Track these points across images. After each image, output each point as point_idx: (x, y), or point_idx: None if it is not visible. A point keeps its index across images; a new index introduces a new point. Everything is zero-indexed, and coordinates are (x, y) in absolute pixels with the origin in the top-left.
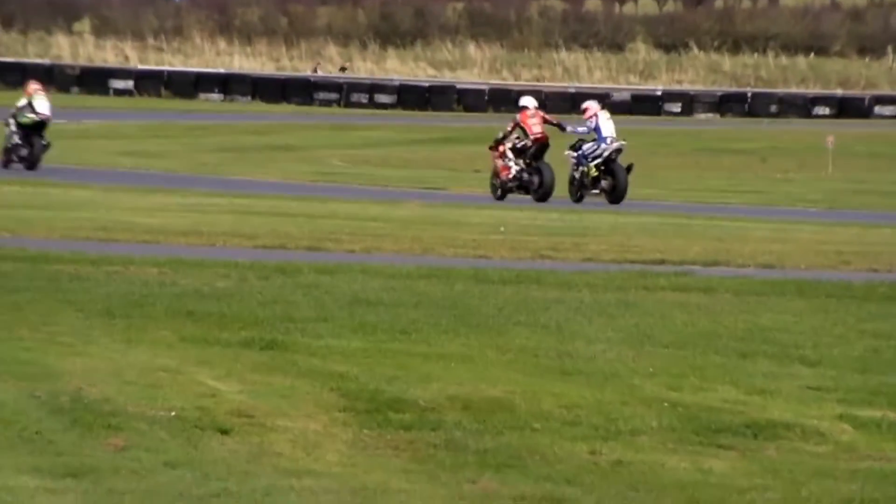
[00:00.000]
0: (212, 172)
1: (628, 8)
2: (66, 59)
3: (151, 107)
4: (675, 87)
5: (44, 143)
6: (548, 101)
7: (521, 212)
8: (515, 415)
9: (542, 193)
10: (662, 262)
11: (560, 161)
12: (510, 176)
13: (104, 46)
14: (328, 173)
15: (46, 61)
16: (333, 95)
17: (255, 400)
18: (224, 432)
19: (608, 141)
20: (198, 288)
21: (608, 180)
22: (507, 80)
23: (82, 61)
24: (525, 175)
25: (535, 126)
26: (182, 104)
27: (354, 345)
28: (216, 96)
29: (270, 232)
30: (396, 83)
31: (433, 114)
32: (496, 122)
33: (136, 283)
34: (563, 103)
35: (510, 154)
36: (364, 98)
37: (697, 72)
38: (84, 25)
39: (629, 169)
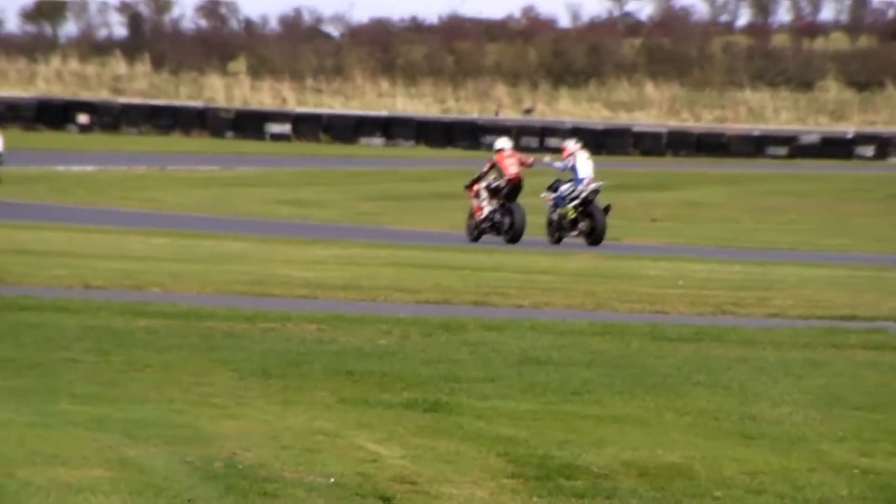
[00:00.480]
0: (372, 222)
1: (818, 44)
2: (220, 101)
3: (309, 152)
4: (868, 129)
5: None
6: (730, 144)
7: (700, 264)
8: (695, 482)
9: (514, 234)
10: (853, 317)
11: (535, 205)
12: (483, 216)
13: (260, 88)
14: None
15: (199, 104)
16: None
17: (418, 465)
18: (386, 500)
19: (585, 182)
20: (358, 346)
21: (586, 222)
22: (686, 122)
23: (237, 104)
24: (497, 216)
25: (511, 167)
26: (342, 149)
27: (523, 406)
28: (378, 141)
29: (434, 286)
30: (569, 125)
31: (608, 158)
32: (675, 167)
33: (294, 341)
34: (745, 146)
35: (484, 194)
36: (534, 142)
37: (892, 112)
38: (239, 65)
39: (607, 210)
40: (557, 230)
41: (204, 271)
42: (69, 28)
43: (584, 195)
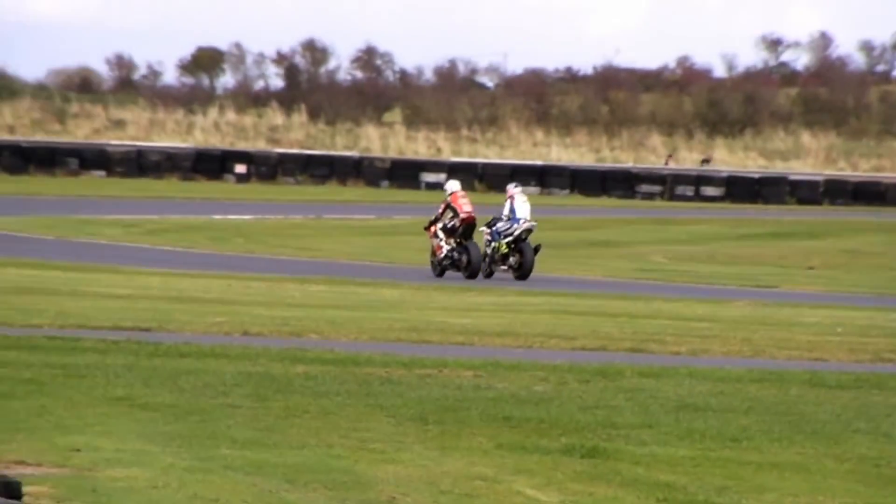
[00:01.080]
0: None
1: None
2: (376, 151)
3: None
4: None
5: None
6: (888, 193)
7: (859, 311)
8: None
9: (471, 271)
10: None
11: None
12: (442, 255)
13: (415, 137)
14: (651, 270)
15: (355, 153)
16: (656, 188)
17: None
18: None
19: (520, 222)
20: (514, 392)
21: (516, 257)
22: (843, 171)
23: (392, 153)
24: (455, 254)
25: (465, 206)
26: (497, 198)
27: (681, 453)
28: (533, 189)
29: (590, 333)
30: (724, 174)
31: (763, 207)
32: (832, 216)
33: (450, 387)
34: None
35: (441, 234)
36: (689, 191)
37: None
38: (395, 116)
39: (537, 249)
40: (490, 263)
41: (361, 318)
42: (226, 79)
43: (517, 232)
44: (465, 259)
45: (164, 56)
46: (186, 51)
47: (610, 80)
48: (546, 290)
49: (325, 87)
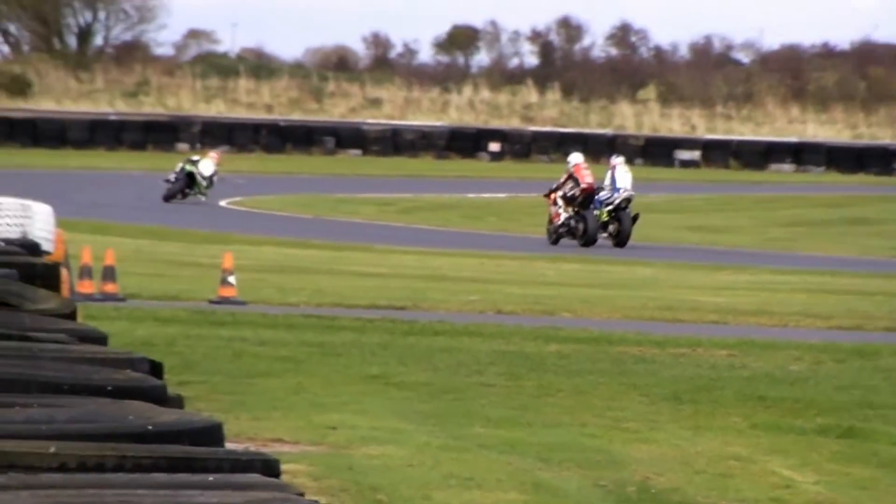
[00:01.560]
0: (783, 248)
1: None
2: (630, 128)
3: (718, 178)
4: None
5: None
6: None
7: None
8: None
9: (587, 239)
10: None
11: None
12: (560, 222)
13: (670, 115)
14: None
15: (608, 131)
16: None
17: (833, 491)
18: None
19: (621, 191)
20: (769, 372)
21: (615, 225)
22: None
23: (646, 131)
24: (572, 222)
25: (586, 177)
26: (751, 175)
27: None
28: (787, 167)
29: (846, 312)
30: None
31: None
32: None
33: (704, 367)
34: None
35: (560, 202)
36: None
37: None
38: (649, 93)
39: (635, 218)
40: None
41: (614, 297)
42: (481, 57)
43: (617, 201)
44: (581, 227)
45: (419, 34)
46: (442, 29)
47: (868, 56)
48: (801, 268)
49: (579, 64)
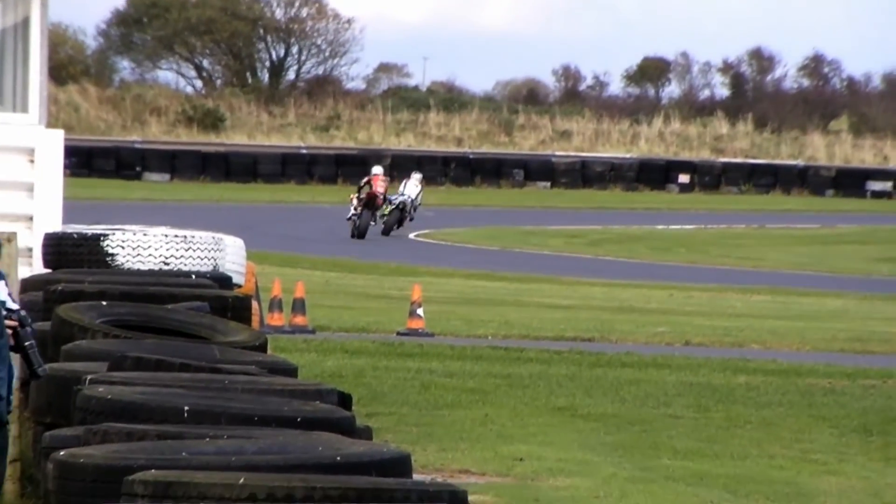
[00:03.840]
0: None
1: None
2: (821, 159)
3: None
4: None
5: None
6: None
7: None
8: None
9: (359, 233)
10: None
11: None
12: (348, 216)
13: (861, 146)
14: None
15: (799, 162)
16: None
17: None
18: None
19: (403, 196)
20: None
21: (391, 218)
22: None
23: (838, 162)
24: (354, 218)
25: (379, 187)
26: None
27: None
28: None
29: None
30: None
31: None
32: None
33: (895, 398)
34: None
35: (354, 201)
36: None
37: None
38: (841, 124)
39: (402, 221)
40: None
41: (803, 328)
42: (671, 89)
43: (396, 202)
44: (356, 222)
45: (610, 66)
46: (632, 61)
47: None
48: None
49: (770, 95)
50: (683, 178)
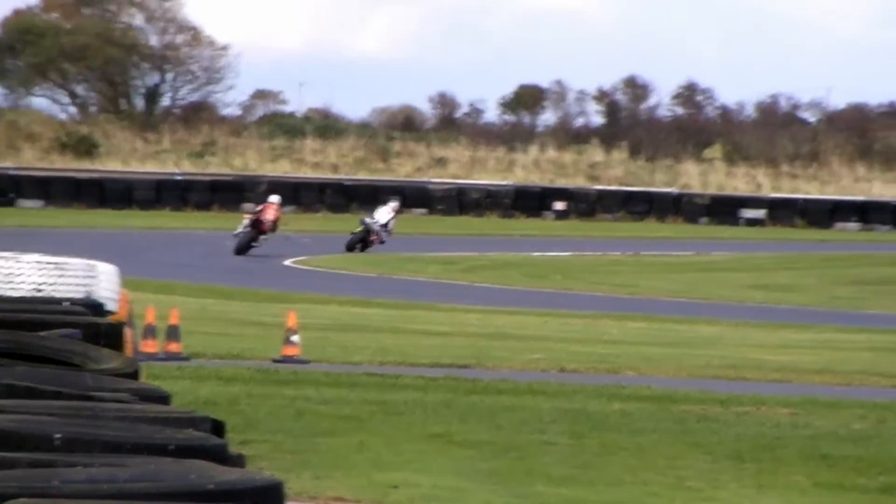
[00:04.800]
0: (848, 307)
1: None
2: (695, 187)
3: (784, 237)
4: None
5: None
6: None
7: None
8: None
9: (237, 250)
10: None
11: None
12: (234, 232)
13: (735, 174)
14: None
15: (674, 190)
16: None
17: None
18: None
19: (374, 220)
20: (832, 430)
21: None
22: None
23: (712, 189)
24: (239, 236)
25: (269, 214)
26: (816, 234)
27: None
28: (853, 225)
29: None
30: None
31: None
32: None
33: (767, 425)
34: None
35: (245, 220)
36: None
37: None
38: (715, 152)
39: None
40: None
41: (677, 355)
42: (547, 117)
43: (365, 223)
44: (237, 241)
45: (485, 94)
46: (508, 88)
47: None
48: (866, 327)
49: (645, 123)
50: (559, 205)
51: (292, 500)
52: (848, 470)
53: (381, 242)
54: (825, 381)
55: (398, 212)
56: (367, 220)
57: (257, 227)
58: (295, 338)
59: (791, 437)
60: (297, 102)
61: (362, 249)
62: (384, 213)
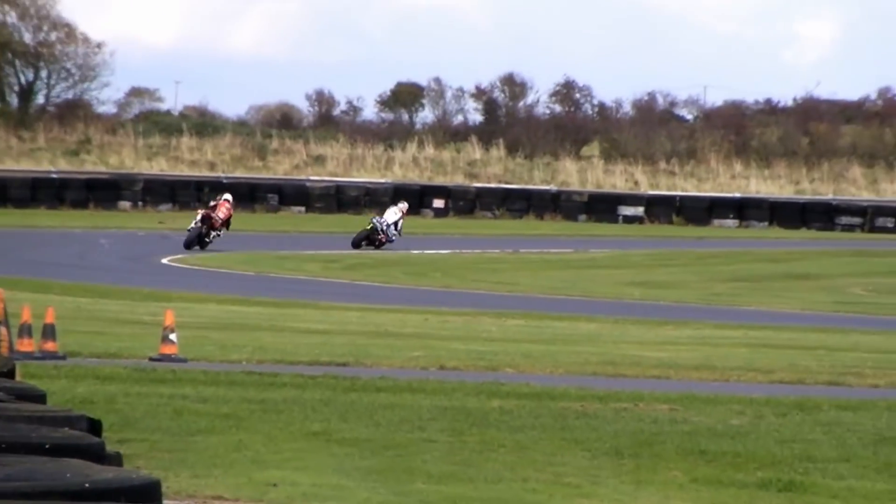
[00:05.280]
0: (725, 303)
1: None
2: (574, 184)
3: (662, 234)
4: None
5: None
6: None
7: None
8: None
9: (185, 244)
10: None
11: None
12: (189, 227)
13: (613, 171)
14: (849, 303)
15: (553, 187)
16: (857, 220)
17: None
18: None
19: (382, 219)
20: (710, 426)
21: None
22: None
23: (590, 187)
24: (191, 231)
25: (220, 211)
26: (694, 231)
27: (879, 487)
28: (731, 222)
29: (788, 366)
30: None
31: None
32: None
33: (646, 421)
34: None
35: (198, 216)
36: (890, 222)
37: None
38: (593, 149)
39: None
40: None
41: (557, 352)
42: (425, 114)
43: (373, 222)
44: (188, 234)
45: (363, 91)
46: (386, 86)
47: (810, 112)
48: (744, 323)
49: (523, 121)
50: (438, 203)
51: (170, 500)
52: (726, 465)
53: (389, 241)
54: (703, 377)
55: (405, 213)
56: (376, 219)
57: (208, 223)
58: (173, 336)
59: (669, 433)
60: (174, 100)
61: (368, 247)
62: (392, 214)
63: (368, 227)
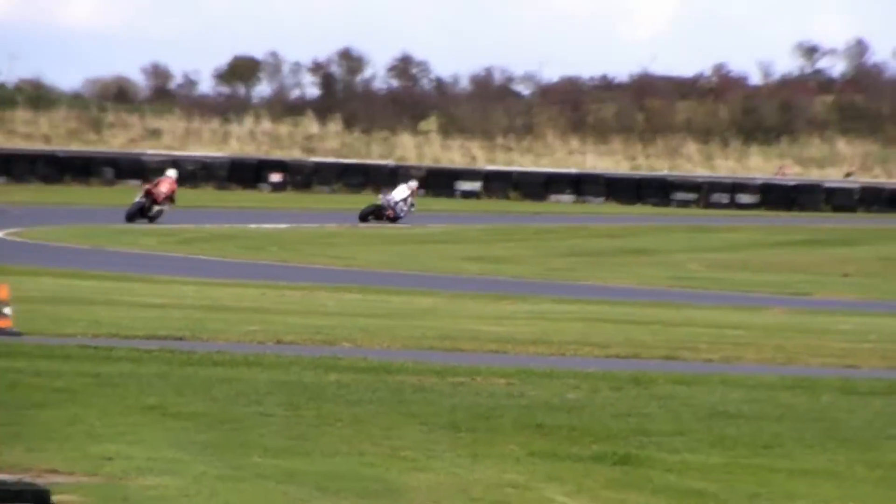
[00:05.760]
0: (562, 278)
1: None
2: (411, 159)
3: (499, 209)
4: None
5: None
6: None
7: (893, 318)
8: None
9: (126, 217)
10: None
11: None
12: (132, 202)
13: (451, 146)
14: (685, 278)
15: (391, 162)
16: (692, 196)
17: None
18: None
19: (391, 195)
20: (547, 399)
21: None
22: (879, 178)
23: (428, 162)
24: (134, 205)
25: (160, 185)
26: (531, 206)
27: (713, 460)
28: (567, 197)
29: (624, 340)
30: (759, 182)
31: (798, 214)
32: (868, 223)
33: (483, 395)
34: None
35: (142, 191)
36: (725, 198)
37: None
38: (430, 124)
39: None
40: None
41: (394, 326)
42: (262, 88)
43: (382, 199)
44: (134, 208)
45: (200, 65)
46: (222, 60)
47: (645, 88)
48: (580, 297)
49: (360, 95)
50: (275, 177)
51: (4, 473)
52: (562, 439)
53: (396, 218)
54: (540, 351)
55: (415, 191)
56: (384, 195)
57: (150, 197)
58: (7, 310)
59: (506, 407)
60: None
61: (375, 221)
62: (401, 191)
63: (375, 203)
